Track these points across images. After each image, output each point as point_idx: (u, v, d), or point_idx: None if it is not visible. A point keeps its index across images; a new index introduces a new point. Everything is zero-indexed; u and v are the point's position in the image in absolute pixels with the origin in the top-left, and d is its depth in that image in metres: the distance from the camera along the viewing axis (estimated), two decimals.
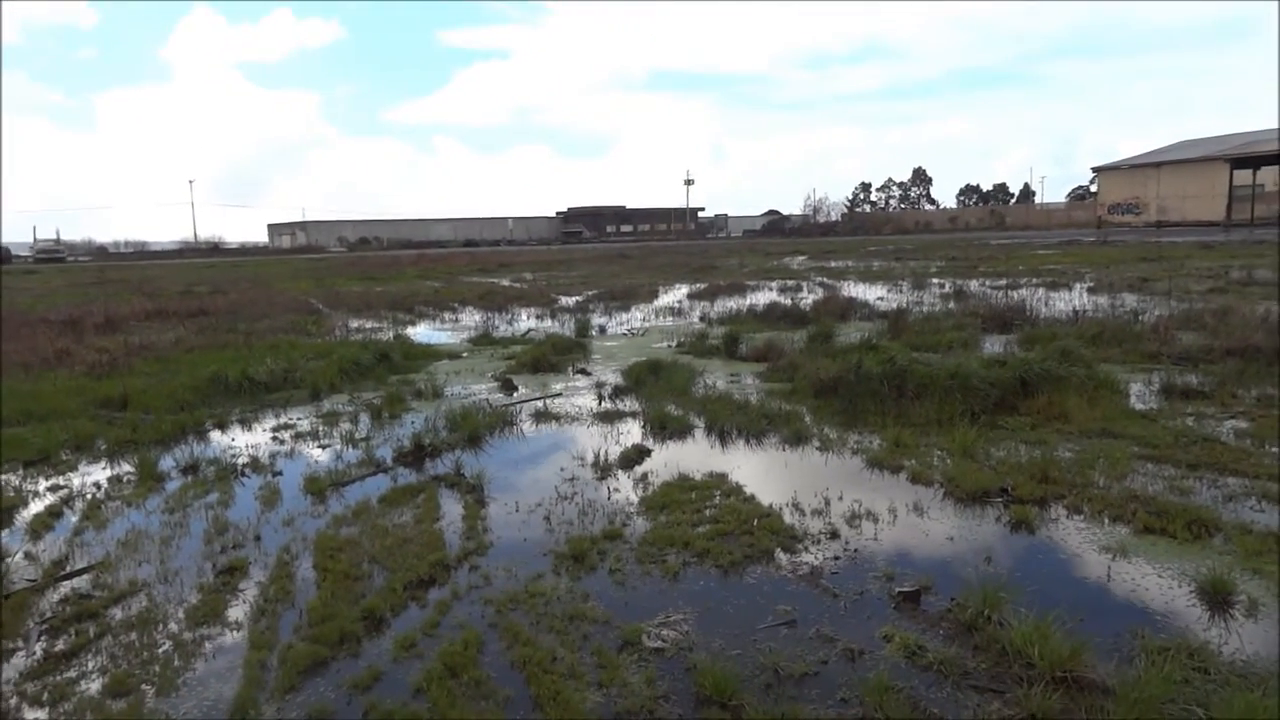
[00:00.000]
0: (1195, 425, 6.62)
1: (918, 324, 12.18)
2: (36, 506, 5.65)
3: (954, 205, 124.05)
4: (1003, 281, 20.13)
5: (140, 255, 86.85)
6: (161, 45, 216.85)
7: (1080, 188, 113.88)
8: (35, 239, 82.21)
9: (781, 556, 4.44)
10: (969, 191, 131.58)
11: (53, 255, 73.86)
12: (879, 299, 17.27)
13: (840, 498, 5.30)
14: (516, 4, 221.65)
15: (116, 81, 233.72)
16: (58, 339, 13.14)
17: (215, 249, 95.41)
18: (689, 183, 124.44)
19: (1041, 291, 17.30)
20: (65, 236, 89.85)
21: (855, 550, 4.50)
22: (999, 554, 4.40)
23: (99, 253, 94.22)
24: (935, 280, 21.42)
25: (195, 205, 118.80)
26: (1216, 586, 3.83)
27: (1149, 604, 3.80)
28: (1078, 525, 4.76)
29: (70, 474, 6.42)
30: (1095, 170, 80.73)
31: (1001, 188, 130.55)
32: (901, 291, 19.00)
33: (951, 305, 15.24)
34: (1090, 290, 17.44)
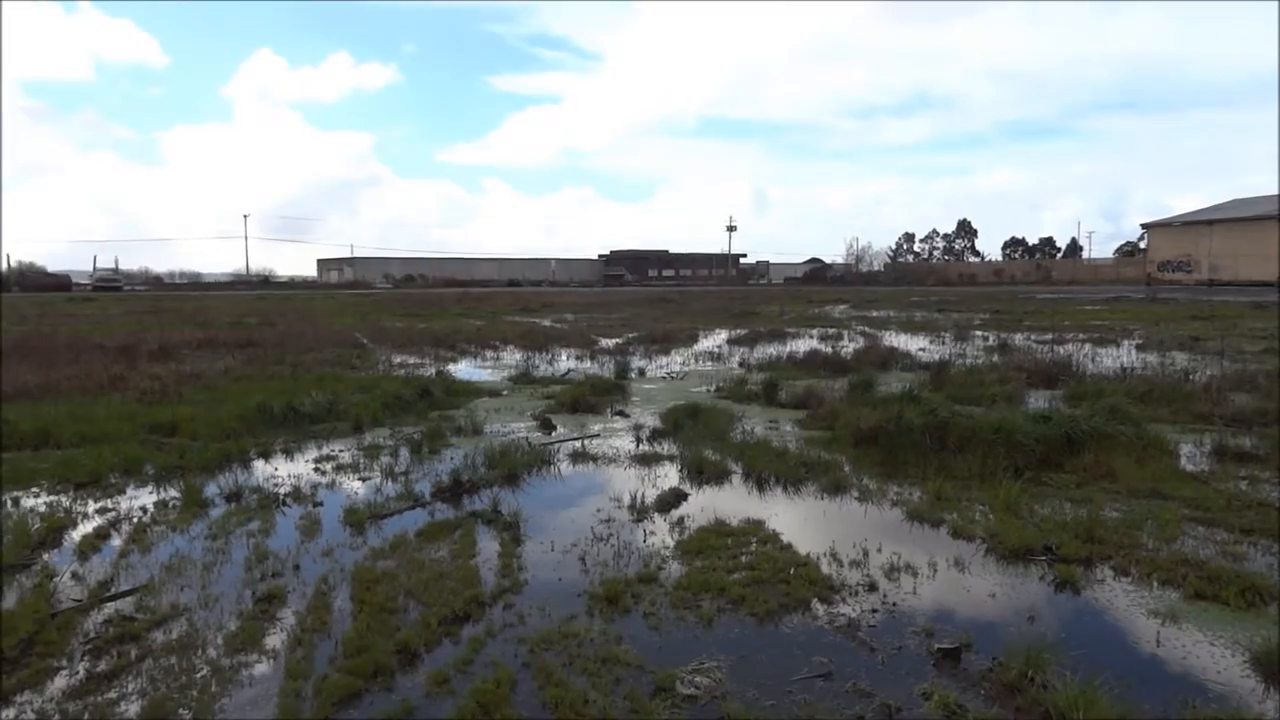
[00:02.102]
0: (1249, 489, 6.44)
1: (960, 376, 12.04)
2: (85, 528, 5.78)
3: (999, 258, 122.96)
4: (1049, 336, 19.85)
5: (194, 286, 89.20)
6: (225, 84, 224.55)
7: (1129, 244, 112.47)
8: (95, 268, 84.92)
9: (818, 607, 4.38)
10: (1014, 245, 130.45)
11: (110, 284, 76.17)
12: (921, 350, 17.12)
13: (879, 549, 5.22)
14: (571, 53, 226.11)
15: (181, 119, 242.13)
16: (112, 365, 13.51)
17: (266, 282, 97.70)
18: (732, 229, 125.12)
19: (1088, 347, 17.03)
20: (123, 266, 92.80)
21: (894, 604, 4.42)
22: (1043, 614, 4.30)
23: (155, 282, 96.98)
24: (979, 332, 21.19)
25: (249, 239, 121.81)
26: (1272, 658, 3.69)
27: (1200, 673, 3.68)
28: (1125, 588, 4.63)
29: (119, 497, 6.57)
30: (1145, 227, 79.77)
31: (1048, 242, 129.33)
32: (944, 343, 18.82)
33: (996, 358, 15.05)
34: (1139, 347, 17.12)
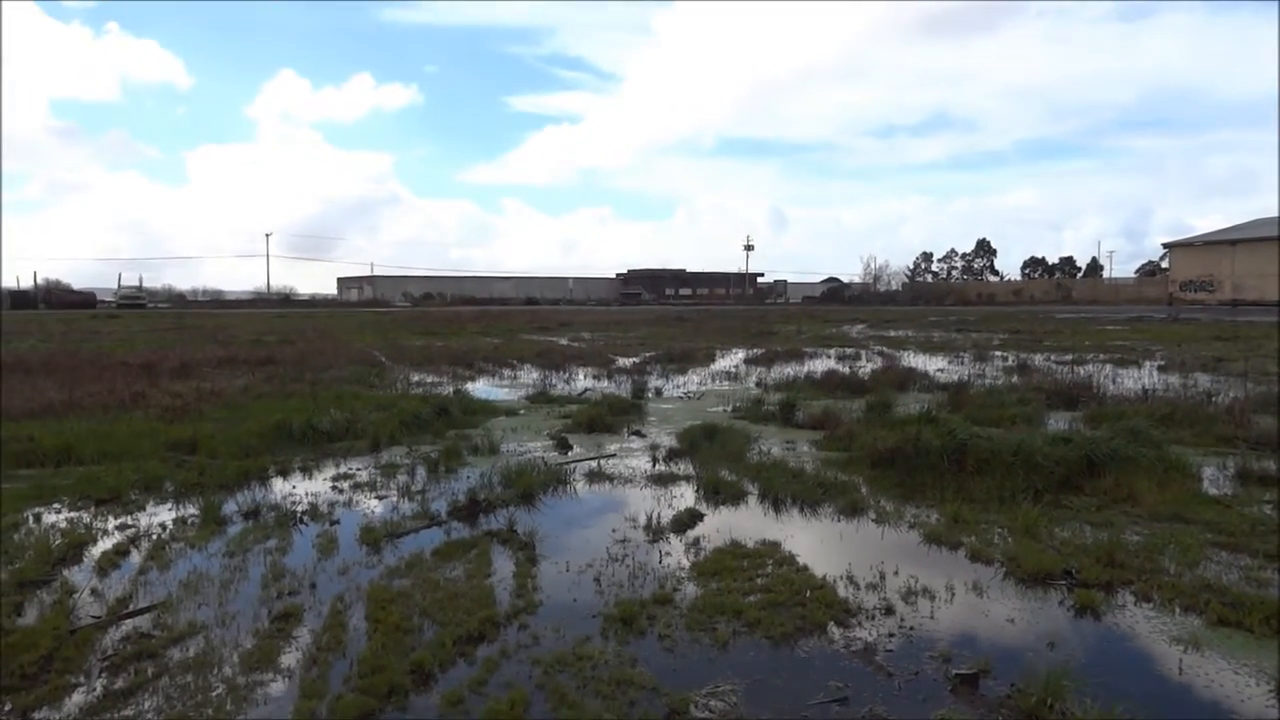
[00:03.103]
0: (1273, 513, 6.34)
1: (979, 397, 11.96)
2: (105, 544, 5.83)
3: (1018, 278, 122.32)
4: (1069, 357, 19.70)
5: (215, 304, 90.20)
6: (249, 104, 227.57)
7: (1150, 263, 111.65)
8: (120, 285, 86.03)
9: (834, 630, 4.35)
10: (1034, 264, 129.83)
11: (134, 301, 77.17)
12: (939, 370, 17.02)
13: (896, 572, 5.18)
14: (589, 74, 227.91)
15: (206, 139, 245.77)
16: (134, 382, 13.66)
17: (286, 300, 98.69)
18: (749, 248, 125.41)
19: (1109, 368, 16.88)
20: (147, 284, 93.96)
21: (911, 628, 4.38)
22: (1063, 639, 4.24)
23: (178, 300, 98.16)
24: (998, 353, 21.05)
25: (270, 257, 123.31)
26: None
27: (1224, 701, 3.62)
28: (1147, 614, 4.57)
29: (138, 513, 6.62)
30: (1166, 246, 79.22)
31: (1068, 261, 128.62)
32: (963, 363, 18.71)
33: (1015, 379, 14.94)
34: (1161, 369, 16.96)
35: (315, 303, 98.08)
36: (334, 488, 7.49)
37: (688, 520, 6.34)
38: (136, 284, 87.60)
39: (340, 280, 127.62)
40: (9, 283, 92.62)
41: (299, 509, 6.69)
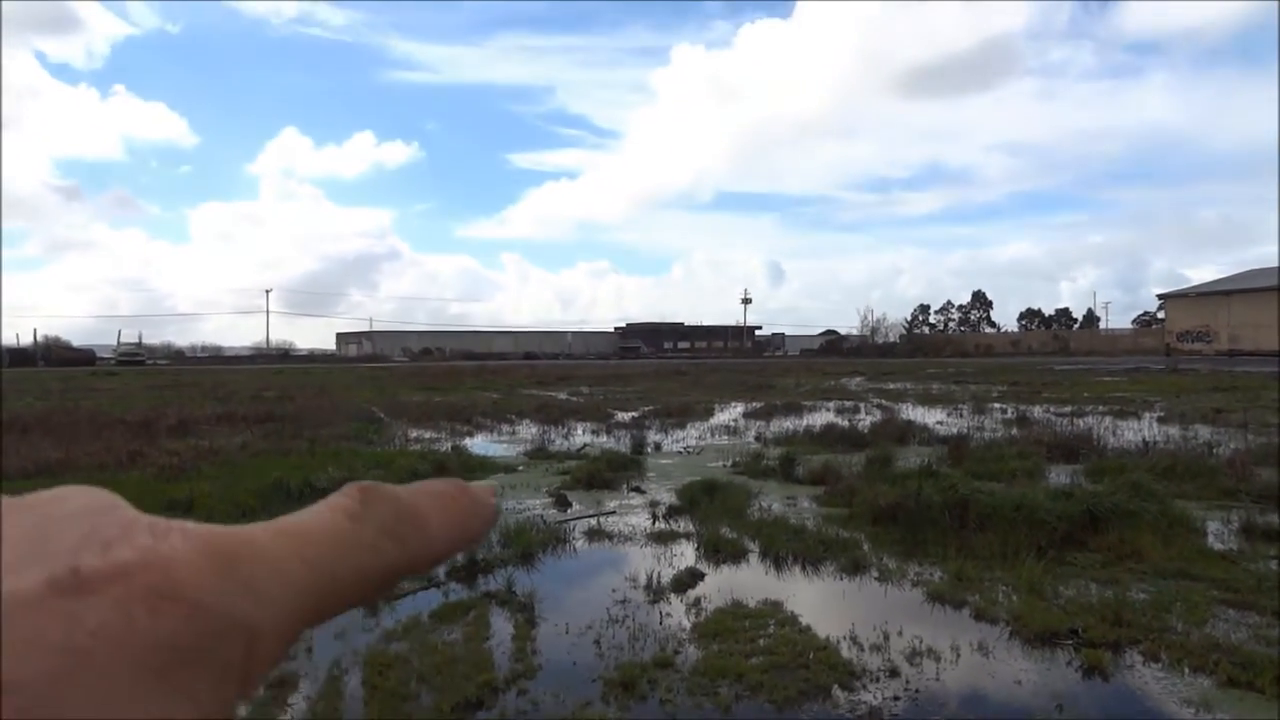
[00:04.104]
0: (1279, 569, 6.28)
1: (979, 450, 11.93)
2: None
3: (1015, 329, 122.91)
4: (1068, 409, 19.70)
5: (214, 360, 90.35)
6: (251, 162, 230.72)
7: (1146, 314, 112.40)
8: (119, 342, 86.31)
9: (839, 694, 4.27)
10: (1030, 316, 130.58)
11: (133, 358, 77.33)
12: (939, 423, 17.00)
13: (900, 633, 5.11)
14: (588, 131, 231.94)
15: (209, 196, 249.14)
16: (132, 440, 13.61)
17: (285, 356, 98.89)
18: (746, 301, 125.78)
19: (1109, 420, 16.86)
20: (147, 340, 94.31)
21: (916, 690, 4.31)
22: (1072, 701, 4.17)
23: (177, 357, 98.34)
24: (997, 405, 21.05)
25: (270, 313, 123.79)
26: None
27: None
28: (1155, 674, 4.50)
29: None
30: (1161, 297, 79.76)
31: (1064, 312, 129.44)
32: (962, 416, 18.70)
33: (1014, 432, 14.92)
34: (1160, 420, 16.95)
35: (314, 358, 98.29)
36: None
37: (688, 579, 6.28)
38: (136, 341, 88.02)
39: (339, 335, 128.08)
40: (9, 340, 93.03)
41: None
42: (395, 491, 0.32)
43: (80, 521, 0.26)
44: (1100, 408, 19.77)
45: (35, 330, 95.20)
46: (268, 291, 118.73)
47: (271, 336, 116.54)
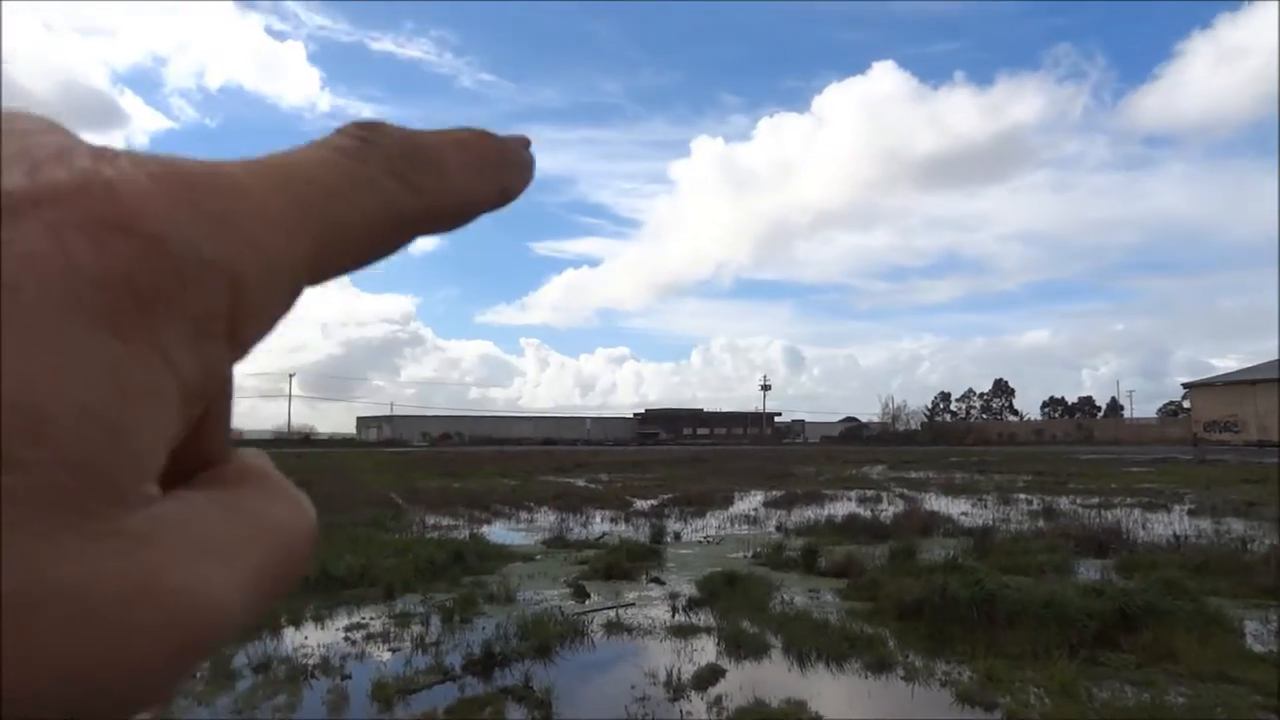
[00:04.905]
0: None
1: (1005, 543, 11.70)
2: None
3: (1038, 417, 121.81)
4: (1095, 500, 19.34)
5: (236, 444, 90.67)
6: None
7: (1172, 403, 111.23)
8: None
9: None
10: (1053, 404, 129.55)
11: None
12: (963, 514, 16.72)
13: None
14: (608, 220, 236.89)
15: None
16: None
17: (306, 439, 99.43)
18: (766, 388, 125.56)
19: (1138, 513, 16.53)
20: None
21: None
22: None
23: None
24: (1022, 496, 20.72)
25: (292, 398, 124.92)
26: None
27: None
28: None
29: None
30: (1186, 386, 79.02)
31: (1087, 401, 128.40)
32: (987, 507, 18.39)
33: (1041, 524, 14.64)
34: (1191, 513, 16.58)
35: (334, 442, 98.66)
36: (346, 638, 7.32)
37: (709, 676, 6.13)
38: None
39: (360, 420, 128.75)
40: None
41: (310, 662, 6.53)
42: (404, 130, 0.25)
43: (9, 141, 0.20)
44: (1128, 499, 19.40)
45: None
46: (291, 376, 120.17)
47: (293, 420, 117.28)
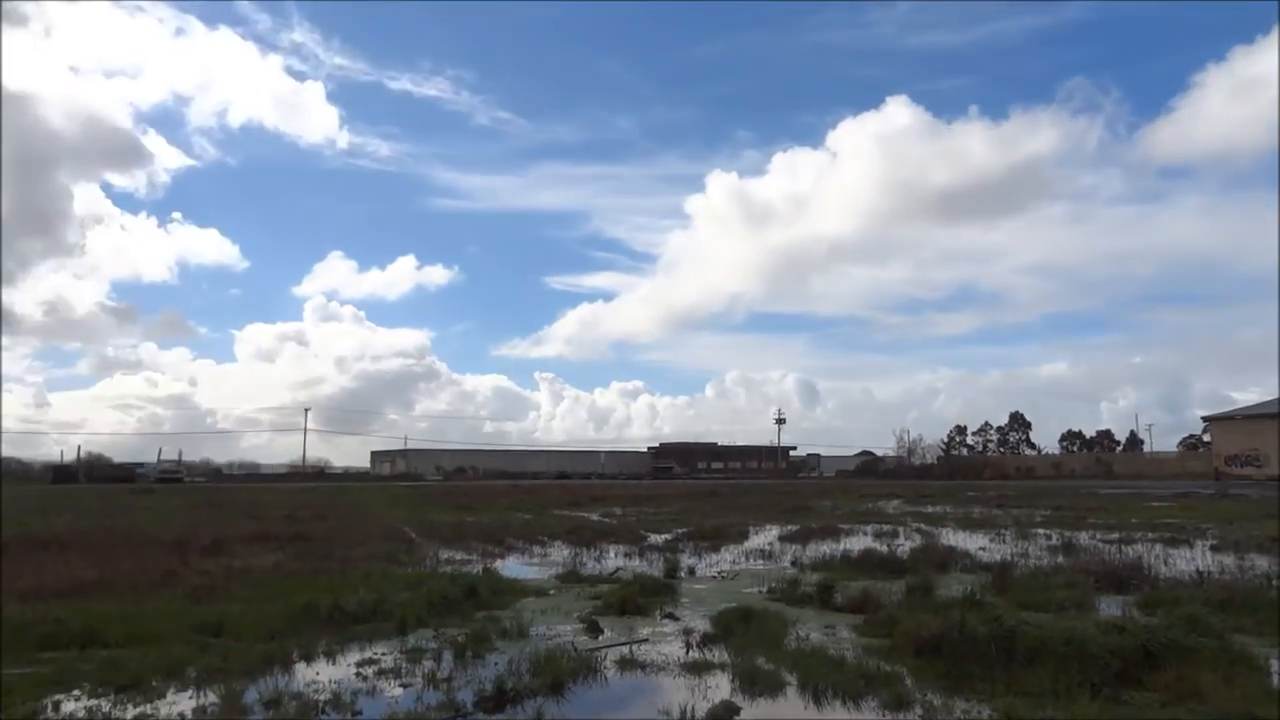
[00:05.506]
0: None
1: (1024, 579, 11.54)
2: None
3: (1056, 451, 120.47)
4: (1115, 535, 19.07)
5: (251, 477, 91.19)
6: (297, 284, 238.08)
7: (1192, 436, 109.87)
8: (159, 459, 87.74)
9: None
10: (1071, 437, 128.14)
11: (172, 476, 78.57)
12: (981, 549, 16.51)
13: None
14: (623, 254, 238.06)
15: (255, 318, 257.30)
16: (165, 559, 13.64)
17: (320, 474, 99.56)
18: (781, 421, 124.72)
19: (1159, 548, 16.28)
20: (187, 457, 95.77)
21: None
22: None
23: (214, 474, 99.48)
24: (1041, 531, 20.46)
25: (307, 431, 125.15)
26: None
27: None
28: None
29: (159, 701, 6.45)
30: (1206, 419, 78.18)
31: (1106, 434, 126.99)
32: (1005, 542, 18.16)
33: (1061, 559, 14.43)
34: (1214, 549, 16.32)
35: (348, 475, 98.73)
36: (358, 674, 7.28)
37: (723, 714, 6.04)
38: (175, 458, 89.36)
39: (374, 454, 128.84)
40: (54, 457, 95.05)
41: (321, 698, 6.49)
42: None
43: None
44: (1149, 534, 19.12)
45: (79, 447, 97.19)
46: (306, 410, 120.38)
47: (308, 454, 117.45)
